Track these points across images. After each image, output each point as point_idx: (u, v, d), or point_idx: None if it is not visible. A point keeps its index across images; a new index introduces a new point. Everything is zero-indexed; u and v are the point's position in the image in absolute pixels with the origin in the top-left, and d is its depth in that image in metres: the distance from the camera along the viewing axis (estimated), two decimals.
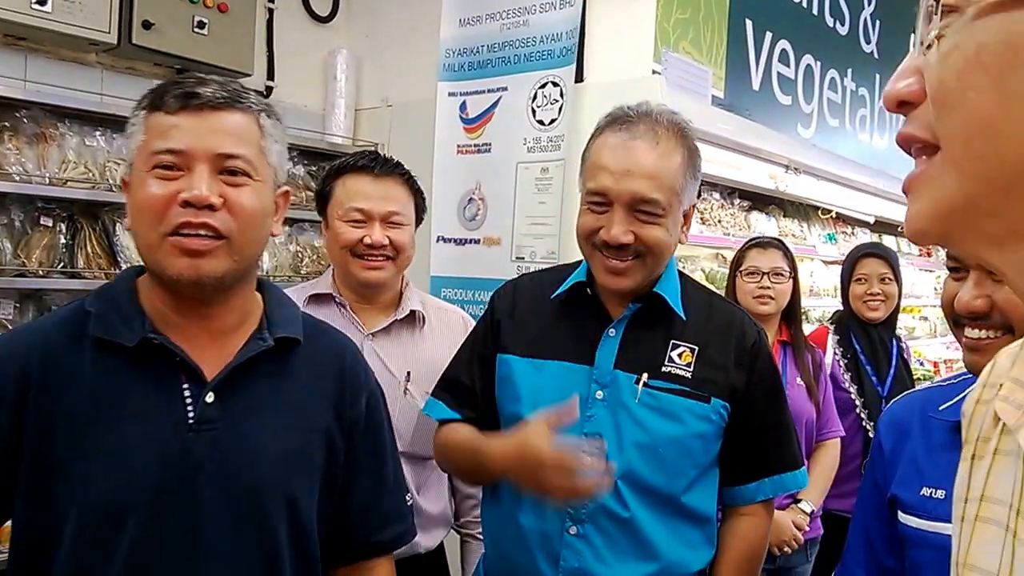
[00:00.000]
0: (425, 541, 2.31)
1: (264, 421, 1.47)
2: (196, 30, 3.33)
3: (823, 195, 4.82)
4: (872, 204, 5.32)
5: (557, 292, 1.93)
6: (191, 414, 1.40)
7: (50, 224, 3.07)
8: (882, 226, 6.03)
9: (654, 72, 3.18)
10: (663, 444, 1.80)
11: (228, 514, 1.41)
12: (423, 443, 2.23)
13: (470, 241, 3.45)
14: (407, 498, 1.77)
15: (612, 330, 1.86)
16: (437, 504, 2.38)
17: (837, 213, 5.29)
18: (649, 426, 1.81)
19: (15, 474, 1.36)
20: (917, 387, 1.69)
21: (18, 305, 3.06)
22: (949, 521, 1.39)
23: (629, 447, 1.80)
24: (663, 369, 1.83)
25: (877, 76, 5.27)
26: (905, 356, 3.74)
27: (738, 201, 4.47)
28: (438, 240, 3.54)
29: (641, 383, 1.82)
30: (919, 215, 0.63)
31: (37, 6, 2.95)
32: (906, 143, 0.65)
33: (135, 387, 1.40)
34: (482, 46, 3.48)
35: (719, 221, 4.13)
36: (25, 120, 3.00)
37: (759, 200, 4.63)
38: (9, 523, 1.42)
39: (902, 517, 1.52)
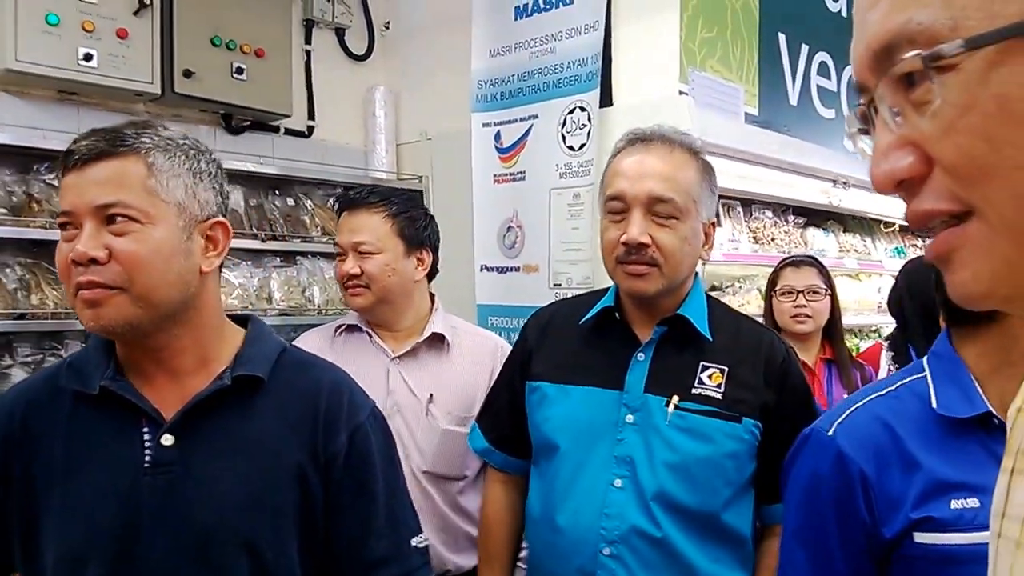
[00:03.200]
0: (456, 560, 2.40)
1: (224, 463, 1.48)
2: (235, 76, 3.51)
3: (883, 208, 4.80)
4: None
5: (586, 318, 2.02)
6: (148, 457, 1.44)
7: None
8: None
9: (681, 93, 3.25)
10: (694, 464, 1.86)
11: (182, 561, 1.43)
12: (446, 462, 2.39)
13: (511, 269, 3.56)
14: (417, 540, 1.67)
15: (641, 354, 1.94)
16: (470, 525, 2.43)
17: (901, 226, 5.24)
18: (680, 447, 1.87)
19: (9, 528, 1.46)
20: (847, 405, 1.55)
21: (84, 344, 3.27)
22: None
23: (660, 468, 1.86)
24: (693, 391, 1.89)
25: None
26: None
27: (792, 218, 4.49)
28: (481, 269, 3.66)
29: (672, 405, 1.88)
30: (976, 280, 0.60)
31: (84, 62, 3.14)
32: (926, 220, 0.61)
33: (102, 433, 1.46)
34: (512, 75, 3.60)
35: (772, 239, 4.16)
36: None
37: (816, 216, 4.65)
38: None
39: (936, 538, 1.39)
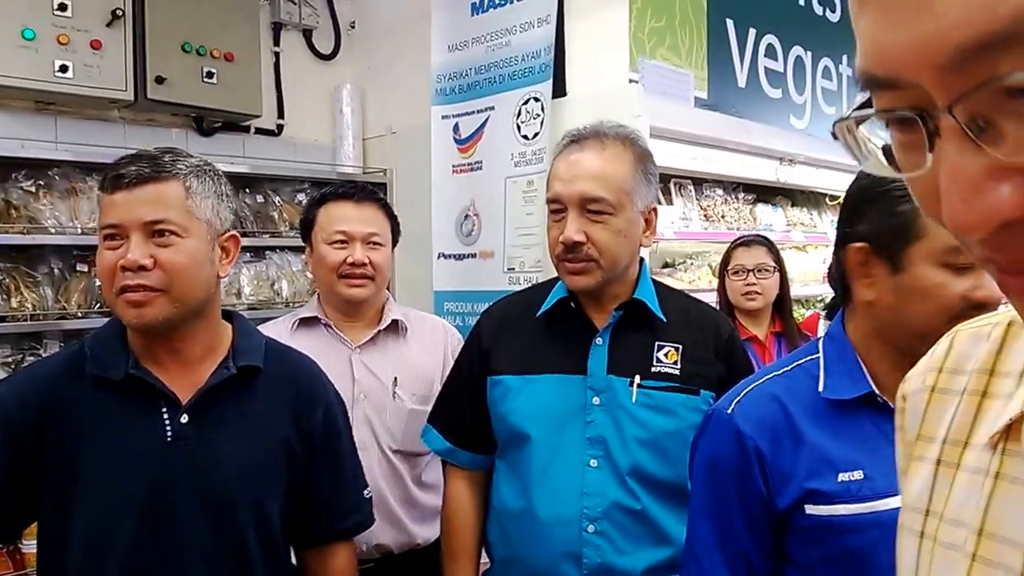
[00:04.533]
0: (423, 533, 2.58)
1: (232, 436, 1.79)
2: (206, 80, 3.70)
3: (827, 183, 4.98)
4: None
5: (542, 310, 2.10)
6: (168, 433, 1.74)
7: (86, 270, 3.44)
8: None
9: (631, 81, 3.44)
10: (663, 438, 1.95)
11: (203, 517, 1.74)
12: (414, 441, 2.47)
13: (468, 256, 3.74)
14: (365, 492, 2.06)
15: (599, 339, 2.02)
16: (433, 497, 2.57)
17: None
18: (648, 423, 1.96)
19: (39, 485, 1.72)
20: (744, 385, 1.62)
21: (62, 344, 3.45)
22: (880, 498, 1.44)
23: (632, 444, 1.95)
24: (653, 369, 1.99)
25: None
26: None
27: (743, 195, 4.67)
28: (439, 257, 3.84)
29: (635, 384, 1.98)
30: None
31: (60, 73, 3.33)
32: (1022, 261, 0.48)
33: (124, 412, 1.74)
34: (470, 69, 3.78)
35: (723, 217, 4.35)
36: (57, 177, 3.39)
37: (766, 192, 4.82)
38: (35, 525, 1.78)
39: (823, 510, 1.46)
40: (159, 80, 3.58)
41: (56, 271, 3.42)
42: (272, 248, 3.92)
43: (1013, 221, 0.45)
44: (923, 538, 0.74)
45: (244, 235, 3.63)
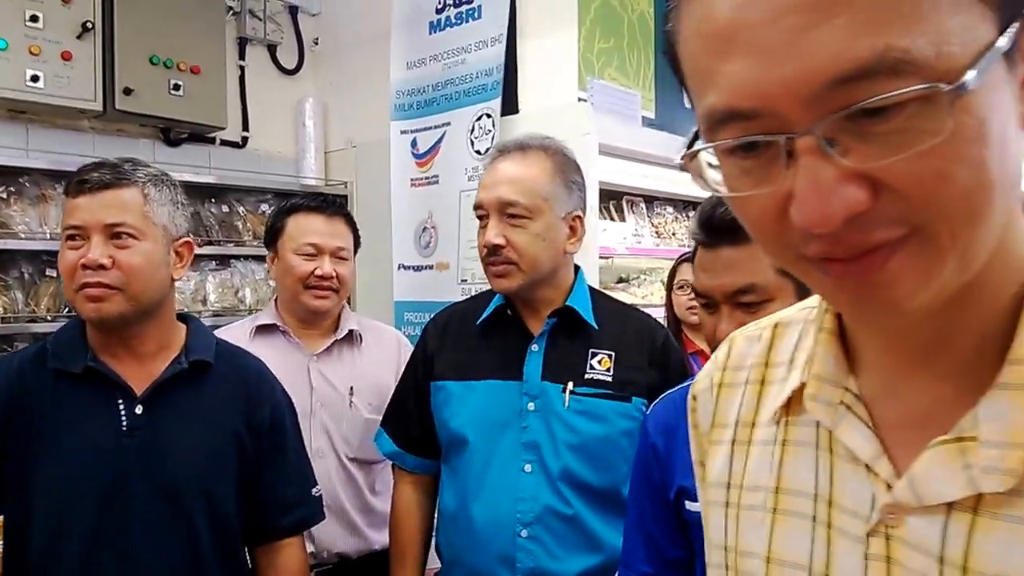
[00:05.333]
0: (380, 538, 2.67)
1: (183, 427, 1.94)
2: (172, 92, 3.84)
3: None
4: None
5: (482, 318, 2.19)
6: (124, 423, 1.89)
7: (55, 274, 3.54)
8: None
9: (580, 100, 3.60)
10: (593, 443, 2.02)
11: (155, 503, 1.89)
12: (370, 449, 2.56)
13: (425, 267, 3.87)
14: (313, 491, 2.17)
15: (535, 345, 2.11)
16: (384, 502, 2.63)
17: None
18: (579, 428, 2.03)
19: (3, 474, 1.87)
20: (671, 390, 1.76)
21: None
22: None
23: (563, 449, 2.02)
24: (586, 376, 2.06)
25: None
26: None
27: (692, 213, 4.86)
28: (399, 268, 3.97)
29: (568, 391, 2.04)
30: (914, 295, 0.60)
31: (32, 83, 3.47)
32: (871, 247, 0.59)
33: (83, 403, 1.89)
34: (428, 86, 3.93)
35: (673, 234, 4.52)
36: (27, 184, 3.52)
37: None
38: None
39: (695, 507, 1.51)
40: (127, 91, 3.73)
41: (26, 275, 3.55)
42: (236, 257, 4.06)
43: (857, 214, 0.57)
44: (728, 507, 0.88)
45: (209, 243, 3.87)
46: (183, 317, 2.12)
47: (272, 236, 2.73)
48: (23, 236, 3.46)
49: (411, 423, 2.30)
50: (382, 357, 2.81)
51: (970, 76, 0.53)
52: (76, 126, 3.87)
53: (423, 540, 2.33)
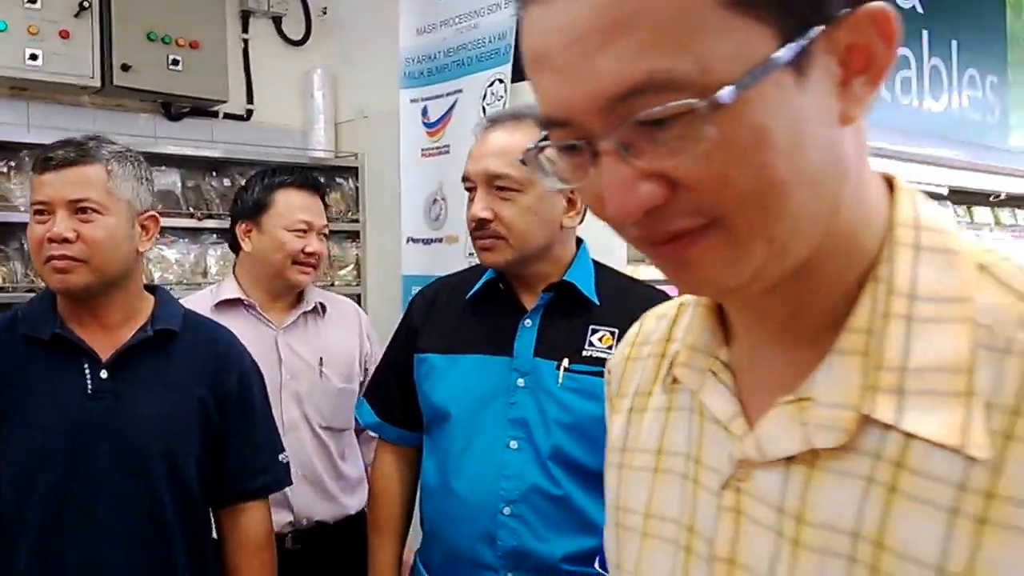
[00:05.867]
0: (352, 502, 2.77)
1: (147, 393, 2.02)
2: (171, 67, 3.82)
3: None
4: (936, 175, 5.12)
5: (472, 291, 2.13)
6: (89, 386, 1.98)
7: None
8: (966, 196, 5.75)
9: None
10: (588, 423, 1.91)
11: (116, 465, 1.96)
12: (341, 417, 2.71)
13: (435, 240, 3.77)
14: (280, 457, 2.25)
15: (528, 320, 2.03)
16: (356, 468, 2.82)
17: None
18: (572, 407, 1.95)
19: None
20: None
21: None
22: None
23: (554, 428, 1.96)
24: (584, 353, 1.98)
25: (925, 32, 5.16)
26: None
27: None
28: (408, 241, 3.87)
29: (562, 368, 1.97)
30: (719, 277, 0.70)
31: (31, 61, 3.51)
32: (672, 236, 0.68)
33: (51, 368, 1.99)
34: (438, 52, 3.79)
35: None
36: (27, 159, 3.52)
37: None
38: None
39: None
40: (124, 68, 3.71)
41: (26, 247, 3.53)
42: None
43: (653, 208, 0.66)
44: (621, 468, 0.98)
45: (210, 217, 3.86)
46: (151, 288, 2.20)
47: (255, 209, 2.70)
48: (23, 209, 3.51)
49: (393, 395, 2.27)
50: (345, 328, 2.88)
51: (725, 91, 0.62)
52: (77, 102, 3.86)
53: (403, 512, 2.30)
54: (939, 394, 0.69)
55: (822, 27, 0.65)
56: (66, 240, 1.93)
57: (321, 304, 2.82)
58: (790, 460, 0.75)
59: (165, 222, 3.58)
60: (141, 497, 1.99)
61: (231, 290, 2.73)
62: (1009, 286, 0.72)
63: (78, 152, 1.99)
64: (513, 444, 1.98)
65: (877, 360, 0.72)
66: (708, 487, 0.83)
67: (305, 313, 2.78)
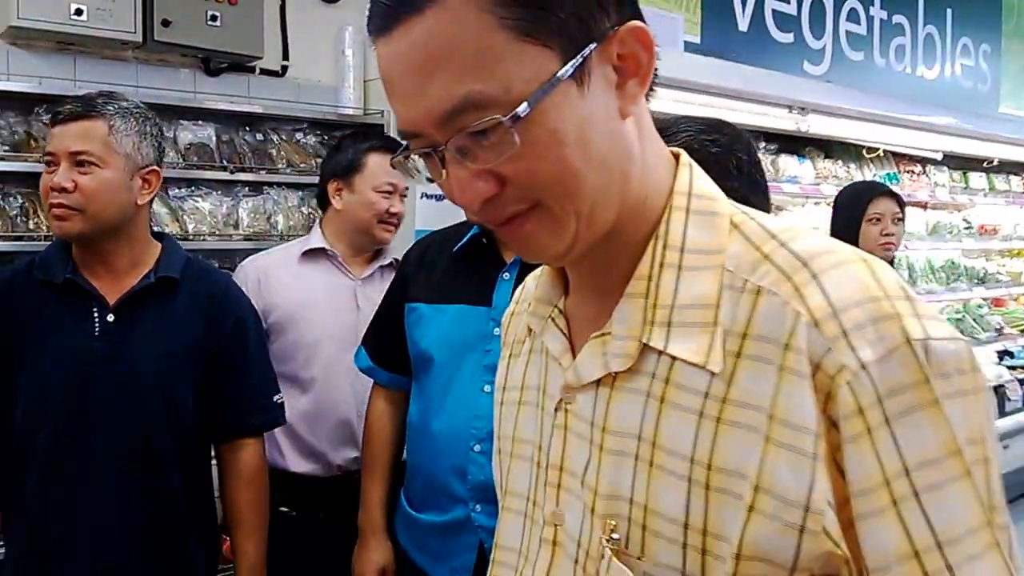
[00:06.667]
0: None
1: (149, 334, 2.22)
2: (210, 23, 3.95)
3: (859, 133, 4.91)
4: (929, 140, 5.25)
5: (458, 246, 2.32)
6: (96, 328, 2.17)
7: None
8: (961, 161, 5.89)
9: None
10: None
11: (117, 401, 2.17)
12: None
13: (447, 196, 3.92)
14: (275, 398, 2.46)
15: (506, 274, 2.21)
16: None
17: (892, 152, 5.34)
18: None
19: None
20: None
21: None
22: None
23: None
24: None
25: (920, 0, 5.31)
26: None
27: (764, 144, 4.72)
28: (422, 196, 4.01)
29: None
30: (549, 246, 0.90)
31: (75, 16, 3.65)
32: (507, 218, 0.88)
33: (61, 310, 2.19)
34: None
35: None
36: None
37: (793, 142, 4.84)
38: None
39: None
40: (165, 23, 3.85)
41: None
42: (270, 184, 4.20)
43: (489, 198, 0.86)
44: (501, 405, 1.19)
45: (242, 170, 4.01)
46: (159, 236, 2.39)
47: (348, 169, 2.94)
48: None
49: (386, 341, 2.49)
50: None
51: (522, 107, 0.81)
52: (121, 56, 4.02)
53: (393, 451, 2.52)
54: (693, 325, 0.89)
55: (594, 44, 0.84)
56: (64, 189, 2.10)
57: (396, 260, 3.00)
58: (598, 383, 0.96)
59: (199, 174, 3.90)
60: (138, 431, 2.18)
61: (317, 240, 3.00)
62: (750, 240, 0.91)
63: (84, 107, 2.15)
64: (487, 388, 2.15)
65: (654, 300, 0.92)
66: (548, 411, 1.05)
67: (382, 267, 3.04)
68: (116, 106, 2.19)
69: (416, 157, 0.91)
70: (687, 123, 1.73)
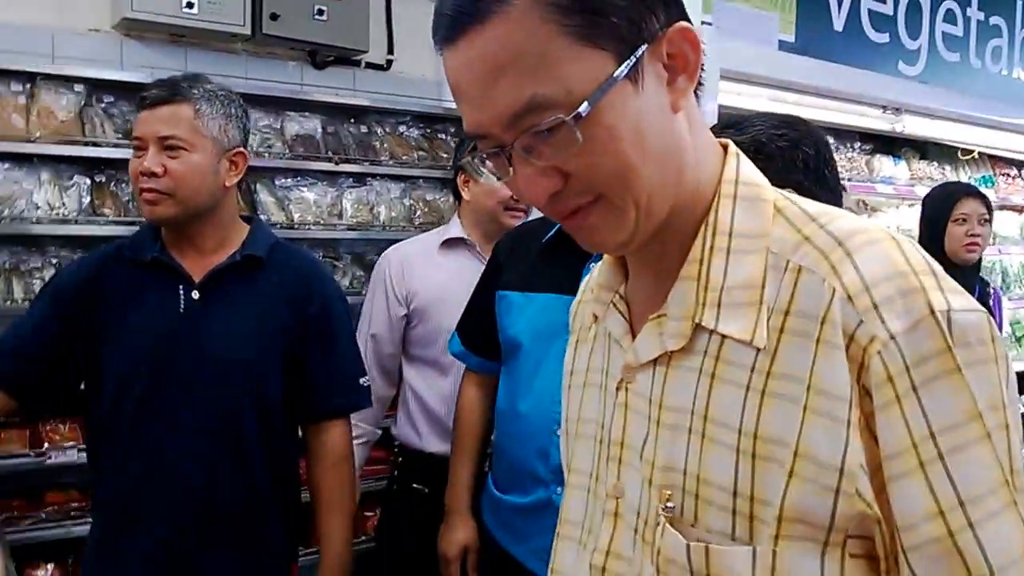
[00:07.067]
0: None
1: (234, 313, 2.25)
2: (317, 17, 4.06)
3: (955, 135, 4.93)
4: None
5: (548, 236, 2.38)
6: (182, 305, 2.22)
7: None
8: None
9: (704, 23, 3.56)
10: None
11: (200, 376, 2.20)
12: None
13: None
14: (362, 380, 2.49)
15: (593, 264, 2.17)
16: None
17: (989, 155, 5.33)
18: None
19: (80, 343, 2.22)
20: None
21: None
22: None
23: None
24: None
25: (1019, 2, 5.26)
26: (991, 302, 3.99)
27: (859, 144, 4.78)
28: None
29: None
30: (611, 237, 0.99)
31: (187, 9, 3.77)
32: (571, 209, 0.96)
33: (150, 288, 2.24)
34: None
35: None
36: None
37: (888, 143, 4.88)
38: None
39: None
40: (273, 16, 3.96)
41: None
42: (373, 175, 4.32)
43: (554, 192, 0.94)
44: (569, 388, 1.29)
45: (347, 162, 4.13)
46: (248, 219, 2.43)
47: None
48: None
49: (478, 327, 2.57)
50: None
51: (583, 107, 0.88)
52: (230, 49, 4.15)
53: (481, 434, 2.61)
54: (741, 304, 0.97)
55: (646, 45, 0.92)
56: (154, 174, 2.13)
57: None
58: (655, 362, 1.04)
59: (305, 165, 4.03)
60: (221, 407, 2.21)
61: (456, 230, 3.17)
62: (792, 223, 0.99)
63: (170, 91, 2.17)
64: None
65: (705, 282, 1.00)
66: (611, 391, 1.12)
67: None
68: (201, 89, 2.21)
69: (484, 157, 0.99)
70: (761, 119, 1.79)
